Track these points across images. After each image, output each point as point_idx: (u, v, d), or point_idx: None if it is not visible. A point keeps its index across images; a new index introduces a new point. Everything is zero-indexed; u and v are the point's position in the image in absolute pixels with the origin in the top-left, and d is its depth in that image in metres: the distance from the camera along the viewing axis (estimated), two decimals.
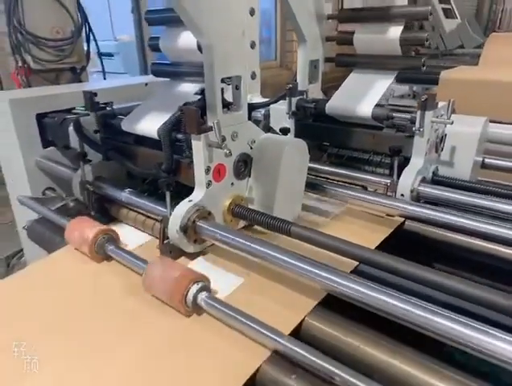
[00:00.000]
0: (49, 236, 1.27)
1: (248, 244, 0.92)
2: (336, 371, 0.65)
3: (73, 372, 0.76)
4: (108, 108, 1.27)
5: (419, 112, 1.18)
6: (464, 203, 1.15)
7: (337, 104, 1.40)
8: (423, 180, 1.23)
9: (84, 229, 1.07)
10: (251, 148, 1.12)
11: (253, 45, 1.03)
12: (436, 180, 1.29)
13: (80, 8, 2.97)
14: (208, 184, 1.03)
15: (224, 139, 0.99)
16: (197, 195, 1.03)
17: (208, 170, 1.01)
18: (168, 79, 1.28)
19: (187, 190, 1.06)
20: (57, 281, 1.03)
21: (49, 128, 1.50)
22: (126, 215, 1.22)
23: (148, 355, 0.78)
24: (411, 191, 1.19)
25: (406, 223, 1.18)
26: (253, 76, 1.06)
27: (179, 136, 1.06)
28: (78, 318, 0.89)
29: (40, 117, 1.51)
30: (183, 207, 1.01)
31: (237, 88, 1.03)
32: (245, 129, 1.08)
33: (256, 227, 1.13)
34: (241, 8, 0.98)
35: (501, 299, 0.76)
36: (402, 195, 1.20)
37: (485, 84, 2.23)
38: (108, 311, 0.91)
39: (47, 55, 2.85)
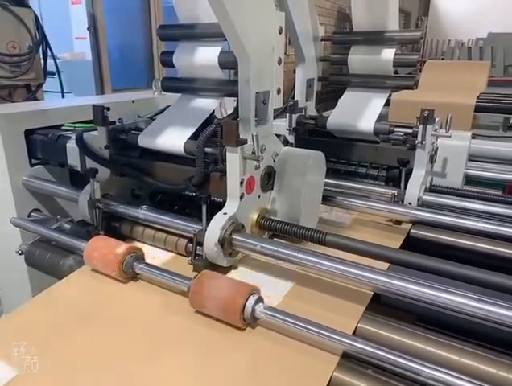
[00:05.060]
0: (54, 259, 1.18)
1: (294, 254, 0.94)
2: (421, 367, 0.68)
3: None
4: (118, 124, 1.23)
5: (421, 127, 1.28)
6: (463, 208, 1.26)
7: (338, 120, 1.47)
8: (425, 189, 1.33)
9: (109, 248, 1.02)
10: (274, 161, 1.14)
11: (279, 61, 1.06)
12: (433, 189, 1.40)
13: (38, 23, 2.83)
14: (241, 196, 1.03)
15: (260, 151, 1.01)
16: (231, 208, 1.02)
17: (241, 183, 1.02)
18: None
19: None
20: (92, 303, 0.96)
21: (41, 145, 1.40)
22: (142, 233, 1.17)
23: (216, 373, 0.76)
24: (418, 200, 1.28)
25: (411, 230, 1.26)
26: (278, 91, 1.09)
27: (209, 150, 1.05)
28: (132, 340, 0.84)
29: (28, 134, 1.41)
30: (220, 220, 1.00)
31: (264, 102, 1.06)
32: (270, 143, 1.11)
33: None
34: (272, 26, 1.02)
35: None
36: (410, 203, 1.28)
37: (427, 105, 2.50)
38: (158, 332, 0.86)
39: (2, 70, 2.67)
